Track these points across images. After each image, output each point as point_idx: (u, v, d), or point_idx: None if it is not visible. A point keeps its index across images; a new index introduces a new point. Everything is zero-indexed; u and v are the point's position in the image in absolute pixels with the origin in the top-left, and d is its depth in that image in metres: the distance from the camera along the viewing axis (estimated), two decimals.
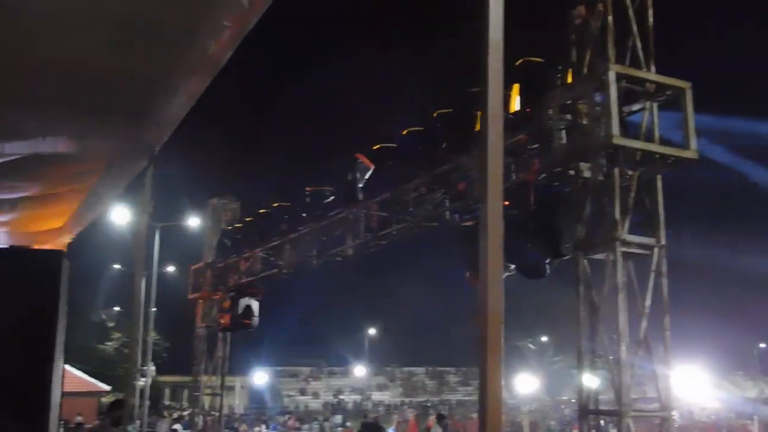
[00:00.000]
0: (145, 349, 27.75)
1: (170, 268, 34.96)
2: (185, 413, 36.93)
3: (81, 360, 35.77)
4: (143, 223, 5.81)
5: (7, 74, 4.03)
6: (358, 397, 65.41)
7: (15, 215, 6.33)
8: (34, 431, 5.13)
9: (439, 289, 61.01)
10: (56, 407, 5.43)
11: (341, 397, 65.67)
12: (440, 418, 23.21)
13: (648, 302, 8.92)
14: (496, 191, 2.26)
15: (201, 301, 22.87)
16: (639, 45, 9.32)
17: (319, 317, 66.62)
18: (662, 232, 9.19)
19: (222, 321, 21.22)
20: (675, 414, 9.81)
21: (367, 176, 14.32)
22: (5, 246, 6.79)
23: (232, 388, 51.54)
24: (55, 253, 6.45)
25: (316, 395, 66.61)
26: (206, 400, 23.95)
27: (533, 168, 10.15)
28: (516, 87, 10.49)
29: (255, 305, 20.61)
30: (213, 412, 23.98)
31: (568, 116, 9.75)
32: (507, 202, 9.31)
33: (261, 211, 19.24)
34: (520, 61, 10.32)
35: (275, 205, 18.37)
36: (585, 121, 9.47)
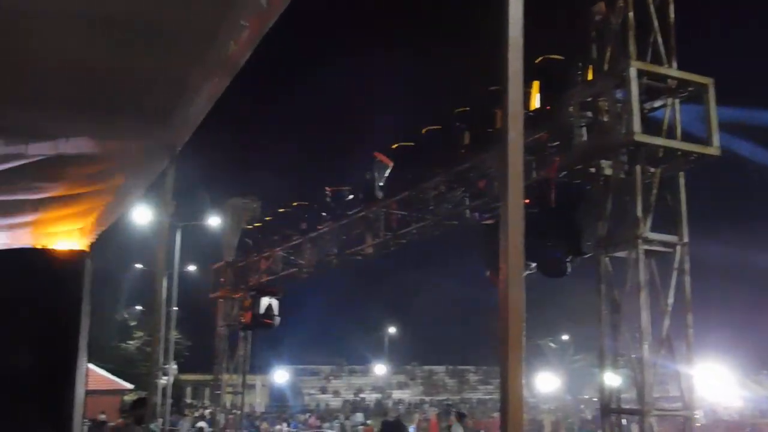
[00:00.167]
0: (167, 348, 27.91)
1: (191, 268, 35.18)
2: (207, 411, 37.16)
3: (104, 359, 36.11)
4: (164, 223, 5.84)
5: (31, 76, 4.08)
6: (378, 396, 65.43)
7: (38, 216, 6.39)
8: (59, 429, 5.18)
9: (459, 287, 60.92)
10: (80, 405, 5.48)
11: (362, 395, 65.72)
12: (460, 417, 23.12)
13: (671, 300, 8.85)
14: (516, 189, 2.25)
15: (222, 300, 23.00)
16: (660, 41, 9.24)
17: (339, 316, 66.85)
18: (685, 230, 9.11)
19: (243, 320, 21.34)
20: (699, 413, 9.73)
21: (386, 174, 14.32)
22: (28, 246, 6.86)
23: (253, 387, 51.83)
24: (78, 254, 6.50)
25: (336, 394, 66.74)
26: (227, 399, 24.09)
27: (554, 166, 10.10)
28: (536, 84, 10.45)
29: (275, 304, 20.69)
30: (234, 411, 24.11)
31: (589, 113, 9.69)
32: (527, 200, 9.26)
33: (281, 210, 19.31)
34: (539, 59, 10.28)
35: (295, 204, 18.43)
36: (606, 118, 9.41)
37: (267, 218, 20.60)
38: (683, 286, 8.99)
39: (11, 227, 6.71)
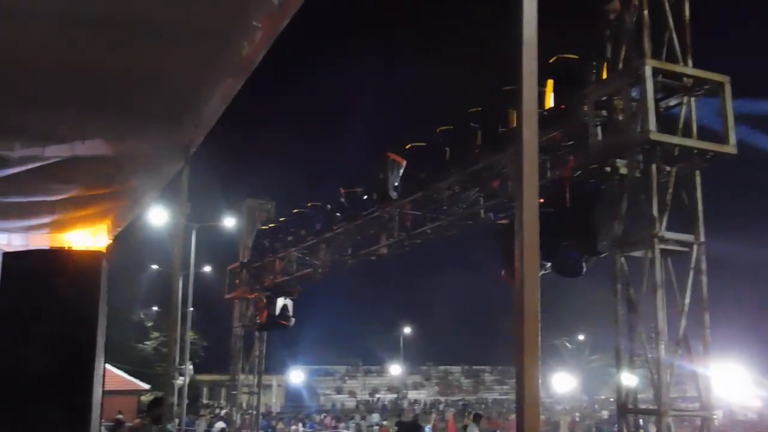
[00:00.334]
0: (183, 348, 28.06)
1: (207, 268, 35.34)
2: (223, 411, 37.31)
3: (121, 359, 36.31)
4: (180, 224, 5.87)
5: (47, 79, 4.11)
6: (393, 396, 65.44)
7: (55, 217, 6.45)
8: (77, 429, 5.22)
9: (474, 287, 60.81)
10: (98, 406, 5.51)
11: (378, 395, 65.75)
12: (477, 417, 23.10)
13: (687, 300, 8.78)
14: (531, 189, 2.24)
15: (237, 300, 23.08)
16: (675, 38, 9.18)
17: (355, 316, 66.91)
18: (701, 229, 9.05)
19: (258, 320, 21.40)
20: (719, 413, 9.68)
21: (400, 173, 14.32)
22: (46, 248, 6.92)
23: (268, 387, 51.93)
24: (94, 254, 6.55)
25: (352, 394, 66.80)
26: (243, 399, 24.16)
27: (569, 165, 10.06)
28: (550, 83, 10.41)
29: (290, 304, 20.75)
30: (250, 411, 24.18)
31: (604, 112, 9.64)
32: (542, 200, 9.24)
33: (295, 211, 19.35)
34: (554, 58, 10.24)
35: (309, 205, 18.47)
36: (621, 117, 9.36)
37: (281, 219, 20.64)
38: (700, 285, 8.92)
39: (29, 229, 6.78)
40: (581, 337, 61.81)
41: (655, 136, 8.68)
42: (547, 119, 10.20)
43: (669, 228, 8.93)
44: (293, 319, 20.88)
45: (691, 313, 8.80)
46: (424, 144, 13.87)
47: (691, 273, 8.90)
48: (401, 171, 14.30)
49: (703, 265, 8.96)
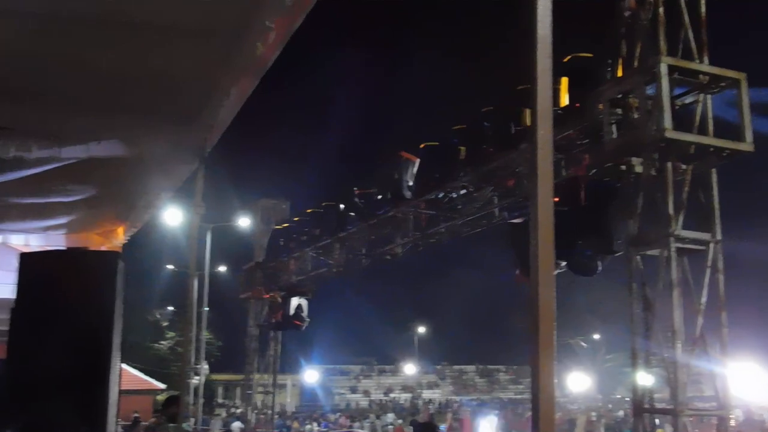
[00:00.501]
0: (198, 348, 28.22)
1: (222, 268, 35.49)
2: (238, 410, 37.45)
3: (137, 359, 36.52)
4: (195, 224, 5.89)
5: (63, 80, 4.14)
6: (408, 396, 65.41)
7: (71, 218, 6.50)
8: (94, 428, 5.25)
9: (489, 286, 60.68)
10: (114, 405, 5.54)
11: (392, 395, 65.75)
12: (490, 416, 23.10)
13: (704, 299, 8.72)
14: (546, 188, 2.23)
15: (252, 300, 23.16)
16: (691, 36, 9.12)
17: (369, 315, 66.89)
18: (718, 227, 8.98)
19: (273, 320, 21.47)
20: (737, 413, 9.61)
21: (414, 171, 14.30)
22: (63, 248, 6.97)
23: (283, 386, 52.11)
24: (111, 255, 6.58)
25: (366, 393, 66.85)
26: (258, 398, 24.25)
27: (583, 163, 10.02)
28: (564, 81, 10.37)
29: (305, 304, 20.80)
30: (265, 410, 24.27)
31: (619, 110, 9.59)
32: (557, 199, 9.19)
33: (309, 210, 19.39)
34: (568, 57, 10.20)
35: (324, 204, 18.50)
36: (636, 115, 9.31)
37: (296, 219, 20.70)
38: (717, 284, 8.86)
39: (46, 229, 6.83)
40: (596, 336, 61.50)
41: (670, 134, 8.62)
42: (561, 117, 10.16)
43: (685, 226, 8.87)
44: (308, 320, 20.93)
45: (707, 311, 8.74)
46: (437, 143, 13.86)
47: (708, 271, 8.84)
48: (415, 169, 14.28)
49: (720, 264, 8.89)
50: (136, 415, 26.86)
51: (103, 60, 3.88)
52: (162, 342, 48.43)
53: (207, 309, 29.49)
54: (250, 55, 3.70)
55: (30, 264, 5.64)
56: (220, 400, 55.52)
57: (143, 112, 4.57)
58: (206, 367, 30.21)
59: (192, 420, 25.05)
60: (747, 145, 8.94)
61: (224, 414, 38.31)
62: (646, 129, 8.97)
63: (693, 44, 9.09)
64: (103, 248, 7.06)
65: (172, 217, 24.51)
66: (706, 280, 8.81)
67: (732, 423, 9.00)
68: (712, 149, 9.01)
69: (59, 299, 5.36)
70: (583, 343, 61.22)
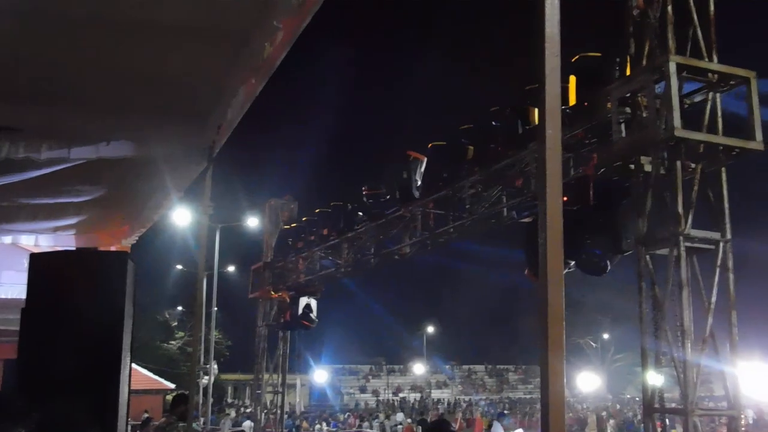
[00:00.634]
0: (207, 348, 28.29)
1: (231, 268, 35.57)
2: (247, 410, 37.52)
3: (146, 359, 36.68)
4: (204, 224, 5.91)
5: (73, 81, 4.16)
6: (417, 395, 65.40)
7: (81, 218, 6.53)
8: (105, 428, 5.27)
9: (498, 285, 60.62)
10: (124, 404, 5.57)
11: (402, 395, 65.72)
12: (500, 416, 23.11)
13: (714, 298, 8.69)
14: (555, 187, 2.23)
15: (261, 300, 23.18)
16: (700, 34, 9.08)
17: (378, 315, 66.94)
18: (727, 226, 8.94)
19: (282, 320, 21.49)
20: (749, 412, 9.56)
21: (422, 170, 14.29)
22: (73, 248, 7.00)
23: (292, 386, 52.13)
24: (120, 255, 6.62)
25: (376, 393, 66.86)
26: (268, 398, 24.27)
27: (592, 162, 9.98)
28: (573, 79, 10.34)
29: (314, 304, 20.81)
30: (275, 410, 24.29)
31: (628, 109, 9.56)
32: (566, 198, 9.18)
33: (318, 210, 19.40)
34: (576, 57, 10.17)
35: (332, 204, 18.50)
36: (645, 114, 9.28)
37: (304, 219, 20.71)
38: (726, 283, 8.82)
39: (56, 230, 6.87)
40: (606, 335, 61.39)
41: (679, 132, 8.59)
42: (570, 117, 10.13)
43: (695, 225, 8.83)
44: (316, 320, 20.94)
45: (717, 311, 8.71)
46: (445, 143, 13.84)
47: (718, 271, 8.80)
48: (423, 168, 14.28)
49: (730, 263, 8.85)
50: (147, 415, 26.98)
51: (112, 61, 3.90)
52: (171, 342, 48.57)
53: (216, 309, 29.55)
54: (259, 56, 3.71)
55: (40, 264, 5.67)
56: (229, 400, 55.64)
57: (152, 112, 4.59)
58: (215, 366, 30.29)
59: (201, 420, 25.13)
60: (757, 144, 8.89)
61: (233, 414, 38.38)
62: (655, 128, 8.94)
63: (702, 42, 9.05)
64: (113, 248, 7.09)
65: (181, 217, 24.57)
66: (716, 279, 8.77)
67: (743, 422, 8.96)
68: (721, 148, 8.97)
69: (69, 299, 5.38)
70: (593, 343, 61.13)
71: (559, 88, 2.30)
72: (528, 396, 64.74)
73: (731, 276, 8.83)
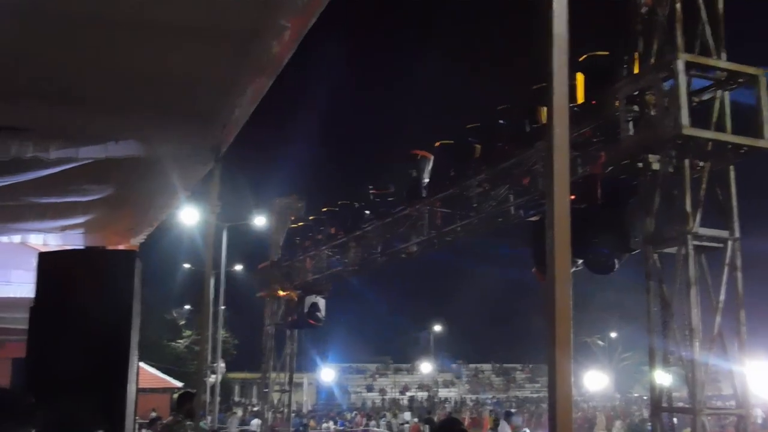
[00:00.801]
0: (215, 347, 28.31)
1: (238, 267, 35.61)
2: (255, 409, 37.59)
3: (154, 357, 36.72)
4: (211, 223, 5.92)
5: (81, 80, 4.17)
6: (424, 394, 65.36)
7: (89, 217, 6.54)
8: (113, 426, 5.28)
9: (505, 284, 60.54)
10: (132, 403, 5.58)
11: (409, 393, 65.69)
12: (507, 415, 23.08)
13: (722, 297, 8.65)
14: (562, 186, 2.22)
15: (268, 299, 23.22)
16: (708, 32, 9.03)
17: (385, 314, 66.96)
18: (736, 224, 8.91)
19: (289, 319, 21.52)
20: (758, 411, 9.53)
21: (429, 168, 14.31)
22: (81, 247, 7.02)
23: (300, 385, 52.18)
24: (128, 254, 6.63)
25: (383, 392, 66.84)
26: (275, 397, 24.31)
27: (599, 161, 9.97)
28: (580, 77, 10.31)
29: (321, 303, 20.84)
30: (282, 408, 24.33)
31: (635, 107, 9.53)
32: (573, 196, 9.14)
33: (325, 209, 19.42)
34: (584, 57, 10.15)
35: (339, 203, 18.52)
36: (653, 112, 9.24)
37: (311, 218, 20.73)
38: (735, 282, 8.79)
39: (64, 229, 6.88)
40: (613, 334, 61.22)
41: (688, 130, 8.56)
42: (577, 115, 10.11)
43: (703, 224, 8.80)
44: (324, 319, 20.96)
45: (725, 310, 8.68)
46: (452, 142, 13.84)
47: (726, 269, 8.77)
48: (430, 166, 14.29)
49: (738, 262, 8.82)
50: (154, 413, 27.06)
51: (120, 61, 3.91)
52: (179, 340, 48.66)
53: (224, 308, 29.59)
54: (266, 55, 3.71)
55: (48, 263, 5.69)
56: (236, 399, 55.74)
57: (160, 112, 4.59)
58: (223, 365, 30.30)
59: (209, 418, 25.17)
60: (765, 142, 8.86)
61: (241, 413, 38.47)
62: (663, 126, 8.91)
63: (710, 40, 9.02)
64: (121, 247, 7.11)
65: (189, 216, 24.60)
66: (724, 278, 8.74)
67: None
68: (729, 146, 8.94)
69: (78, 298, 5.40)
70: (600, 342, 60.97)
71: (567, 87, 2.29)
72: (535, 395, 64.59)
73: (740, 274, 8.80)
